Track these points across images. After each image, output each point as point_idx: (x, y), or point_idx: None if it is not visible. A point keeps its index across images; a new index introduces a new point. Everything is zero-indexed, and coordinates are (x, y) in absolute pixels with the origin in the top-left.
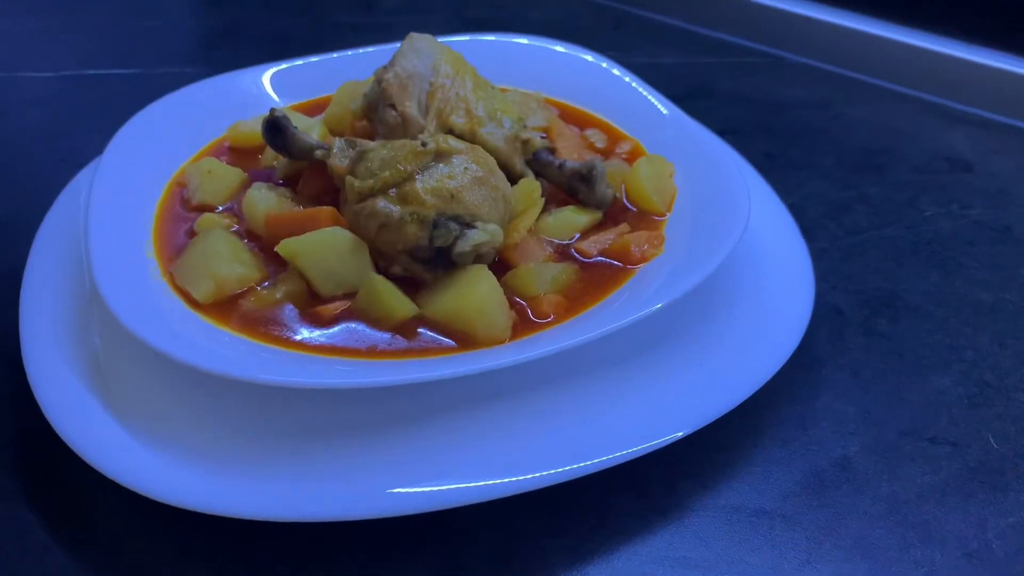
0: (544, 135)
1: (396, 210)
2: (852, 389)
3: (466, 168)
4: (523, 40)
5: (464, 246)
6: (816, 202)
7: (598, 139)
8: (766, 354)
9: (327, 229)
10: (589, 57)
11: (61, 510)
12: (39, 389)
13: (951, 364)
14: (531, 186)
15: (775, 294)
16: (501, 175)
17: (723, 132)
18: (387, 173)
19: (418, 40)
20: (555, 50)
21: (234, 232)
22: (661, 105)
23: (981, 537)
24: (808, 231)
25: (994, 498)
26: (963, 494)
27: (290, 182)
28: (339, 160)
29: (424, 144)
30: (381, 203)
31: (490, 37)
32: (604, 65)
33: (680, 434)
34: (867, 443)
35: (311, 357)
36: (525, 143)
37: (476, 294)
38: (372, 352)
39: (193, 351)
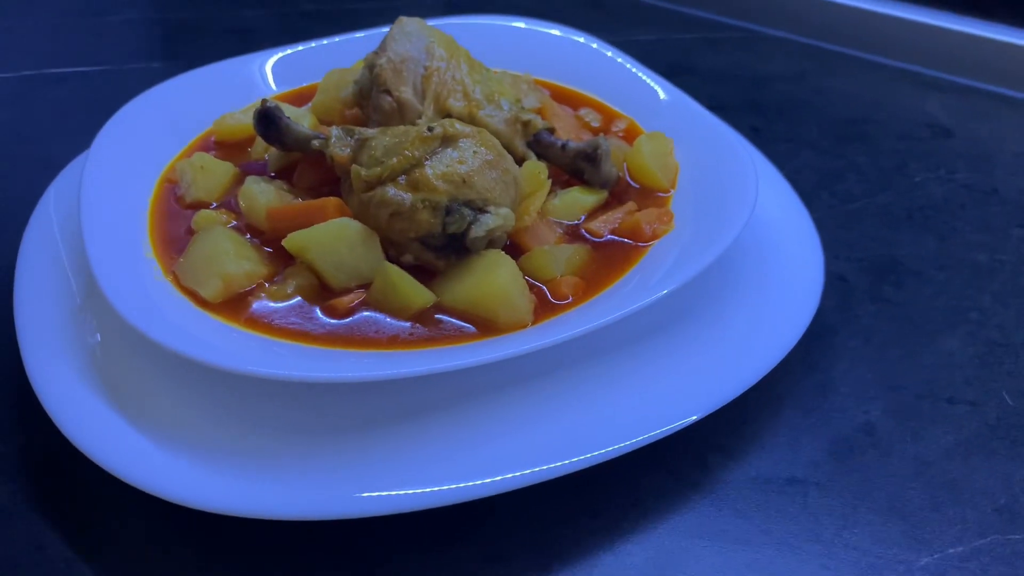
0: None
1: (407, 197)
2: (867, 355)
3: (475, 152)
4: (520, 24)
5: (478, 231)
6: (809, 173)
7: (592, 118)
8: (783, 326)
9: (335, 220)
10: (580, 38)
11: (75, 516)
12: (48, 401)
13: (958, 325)
14: (537, 168)
15: (785, 265)
16: (509, 157)
17: (710, 108)
18: (394, 160)
19: (408, 24)
20: (543, 31)
21: (234, 228)
22: (654, 83)
23: (1008, 492)
24: (805, 200)
25: (1017, 452)
26: (986, 452)
27: (284, 174)
28: (340, 149)
29: (430, 129)
30: (391, 191)
31: (479, 19)
32: (594, 45)
33: (706, 412)
34: (888, 407)
35: (332, 351)
36: (526, 124)
37: (497, 280)
38: (394, 342)
39: (212, 351)
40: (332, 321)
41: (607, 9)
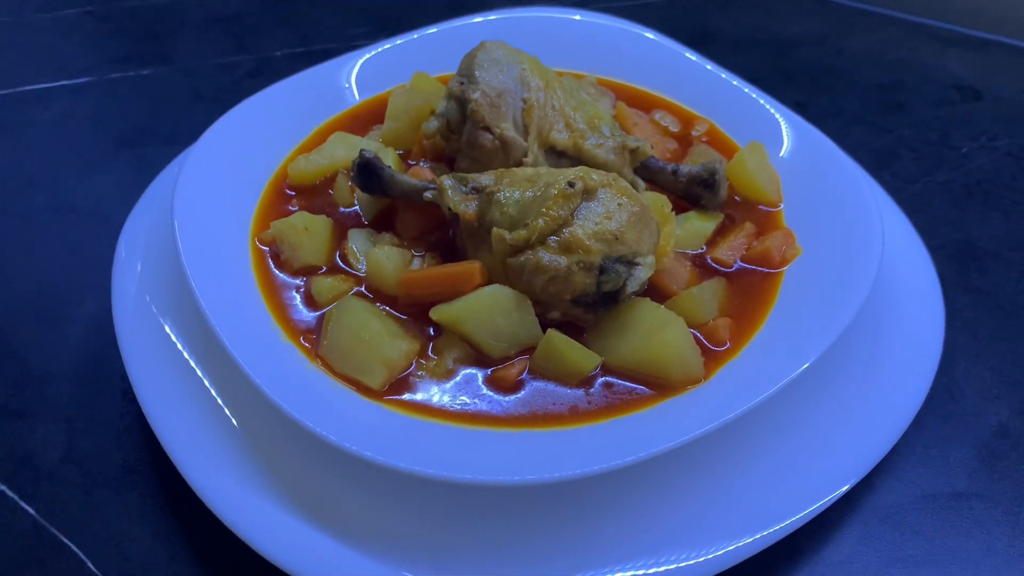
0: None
1: (562, 261)
2: (978, 351)
3: (619, 204)
4: (575, 16)
5: (634, 286)
6: (865, 152)
7: (669, 122)
8: (917, 366)
9: (486, 290)
10: (650, 34)
11: None
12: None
13: None
14: (660, 201)
15: (905, 298)
16: (646, 202)
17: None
18: (541, 222)
19: (493, 49)
20: (596, 23)
21: (363, 296)
22: (723, 74)
23: None
24: None
25: None
26: None
27: (382, 220)
28: (464, 206)
29: (571, 184)
30: (546, 257)
31: (526, 12)
32: (650, 35)
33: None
34: (1014, 406)
35: (525, 435)
36: (633, 152)
37: (669, 341)
38: (576, 415)
39: (417, 458)
40: (508, 399)
41: None
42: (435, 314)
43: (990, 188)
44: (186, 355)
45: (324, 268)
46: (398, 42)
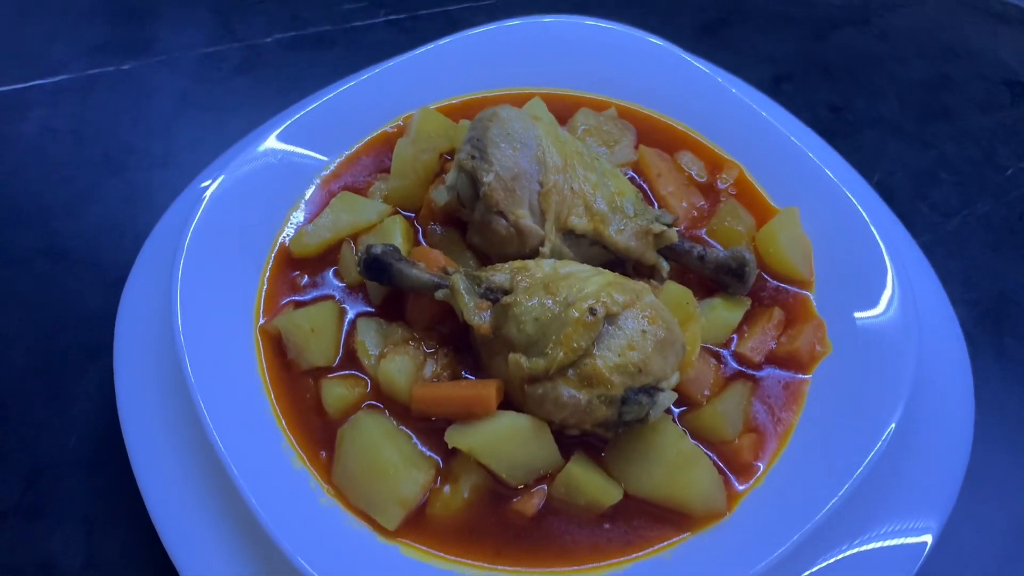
0: (668, 212)
1: (582, 397)
2: (1006, 439)
3: (644, 331)
4: (589, 22)
5: (657, 414)
6: (902, 175)
7: (695, 168)
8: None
9: (504, 421)
10: (682, 54)
11: None
12: None
13: None
14: (685, 297)
15: (935, 400)
16: (673, 321)
17: (778, 79)
18: (560, 354)
19: (508, 122)
20: (616, 32)
21: (376, 407)
22: (753, 103)
23: None
24: (905, 217)
25: None
26: None
27: (390, 305)
28: (476, 317)
29: (592, 312)
30: (565, 393)
31: (536, 20)
32: (683, 56)
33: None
34: None
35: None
36: (658, 236)
37: (693, 480)
38: (598, 551)
39: None
40: (526, 535)
41: None
42: (451, 440)
43: None
44: (197, 464)
45: (335, 363)
46: (408, 57)
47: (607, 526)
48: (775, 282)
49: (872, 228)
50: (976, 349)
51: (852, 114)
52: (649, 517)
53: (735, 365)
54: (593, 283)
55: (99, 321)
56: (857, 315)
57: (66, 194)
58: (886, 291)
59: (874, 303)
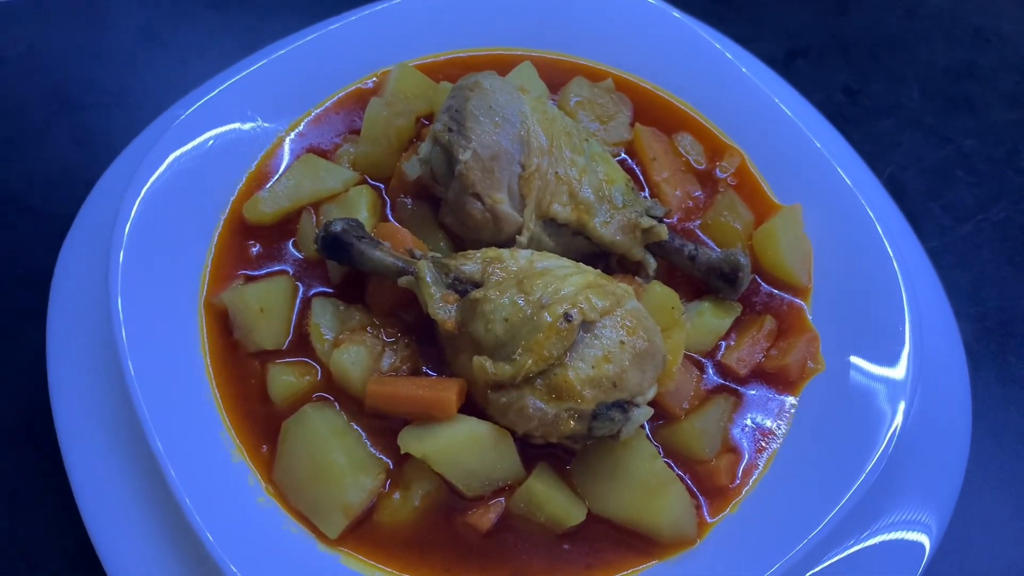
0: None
1: (550, 410)
2: (1001, 471)
3: (622, 342)
4: None
5: (630, 431)
6: (915, 171)
7: (694, 152)
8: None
9: (464, 428)
10: (677, 14)
11: None
12: None
13: None
14: (671, 300)
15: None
16: (655, 328)
17: (792, 55)
18: (529, 362)
19: (491, 93)
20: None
21: (327, 398)
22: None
23: None
24: (914, 218)
25: None
26: None
27: (350, 288)
28: (442, 312)
29: (567, 317)
30: (531, 404)
31: None
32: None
33: None
34: None
35: None
36: (647, 232)
37: (664, 506)
38: (556, 573)
39: None
40: (479, 548)
41: None
42: (404, 445)
43: None
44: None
45: (285, 346)
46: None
47: (567, 546)
48: (769, 287)
49: (883, 238)
50: (976, 365)
51: (868, 99)
52: (612, 540)
53: (718, 378)
54: (571, 283)
55: (40, 277)
56: (856, 332)
57: (9, 131)
58: (892, 311)
59: (877, 322)
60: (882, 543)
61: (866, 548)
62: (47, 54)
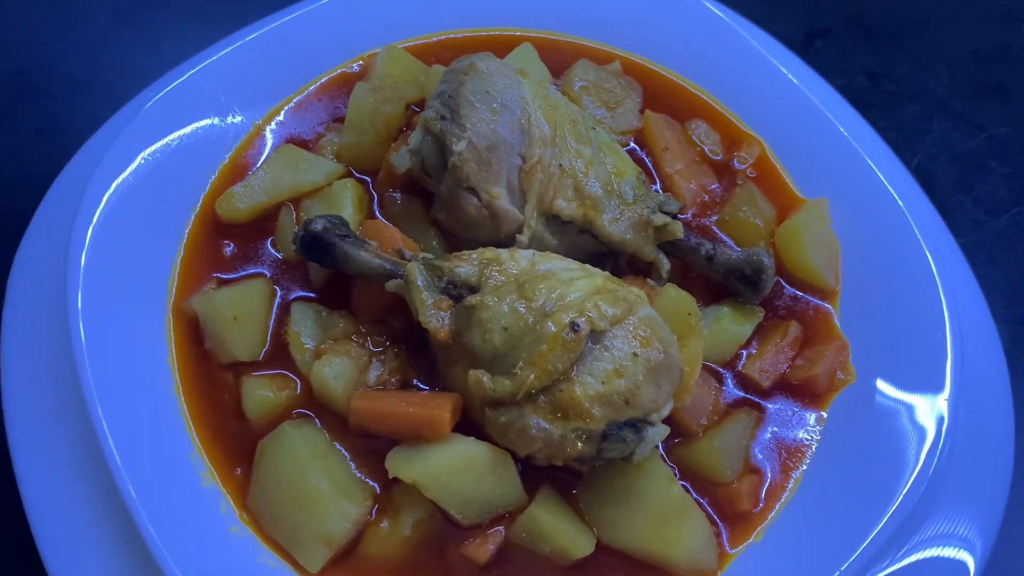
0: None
1: (555, 431)
2: None
3: (635, 354)
4: None
5: (644, 453)
6: (945, 160)
7: (709, 141)
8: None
9: (459, 450)
10: None
11: None
12: None
13: None
14: (687, 306)
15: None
16: (671, 337)
17: (811, 36)
18: (532, 377)
19: (488, 77)
20: None
21: (307, 415)
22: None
23: None
24: (945, 212)
25: None
26: None
27: (333, 286)
28: (434, 320)
29: (574, 327)
30: (534, 422)
31: None
32: None
33: None
34: None
35: None
36: (660, 230)
37: (681, 537)
38: None
39: None
40: None
41: None
42: (393, 469)
43: None
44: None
45: (261, 357)
46: None
47: None
48: (793, 290)
49: (919, 235)
50: (1016, 373)
51: (893, 84)
52: (624, 573)
53: (738, 391)
54: (578, 288)
55: None
56: (890, 340)
57: None
58: (930, 316)
59: (913, 328)
60: (920, 561)
61: (903, 568)
62: (6, 33)
